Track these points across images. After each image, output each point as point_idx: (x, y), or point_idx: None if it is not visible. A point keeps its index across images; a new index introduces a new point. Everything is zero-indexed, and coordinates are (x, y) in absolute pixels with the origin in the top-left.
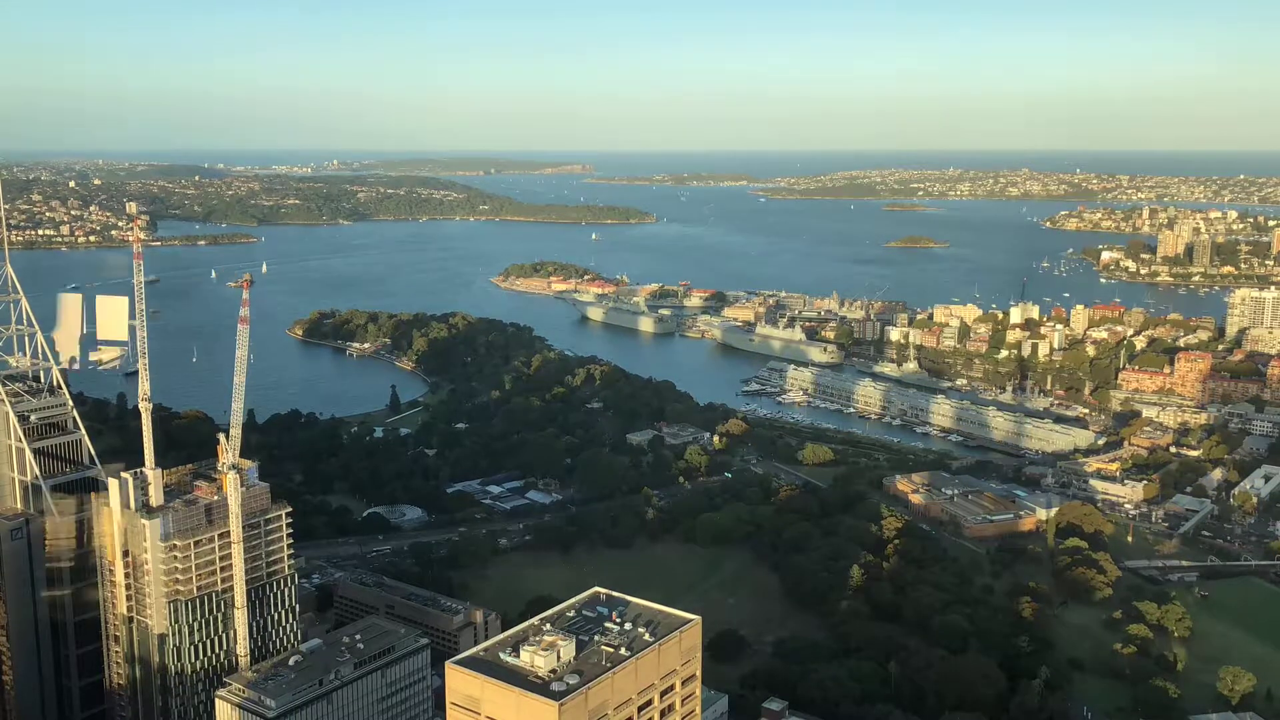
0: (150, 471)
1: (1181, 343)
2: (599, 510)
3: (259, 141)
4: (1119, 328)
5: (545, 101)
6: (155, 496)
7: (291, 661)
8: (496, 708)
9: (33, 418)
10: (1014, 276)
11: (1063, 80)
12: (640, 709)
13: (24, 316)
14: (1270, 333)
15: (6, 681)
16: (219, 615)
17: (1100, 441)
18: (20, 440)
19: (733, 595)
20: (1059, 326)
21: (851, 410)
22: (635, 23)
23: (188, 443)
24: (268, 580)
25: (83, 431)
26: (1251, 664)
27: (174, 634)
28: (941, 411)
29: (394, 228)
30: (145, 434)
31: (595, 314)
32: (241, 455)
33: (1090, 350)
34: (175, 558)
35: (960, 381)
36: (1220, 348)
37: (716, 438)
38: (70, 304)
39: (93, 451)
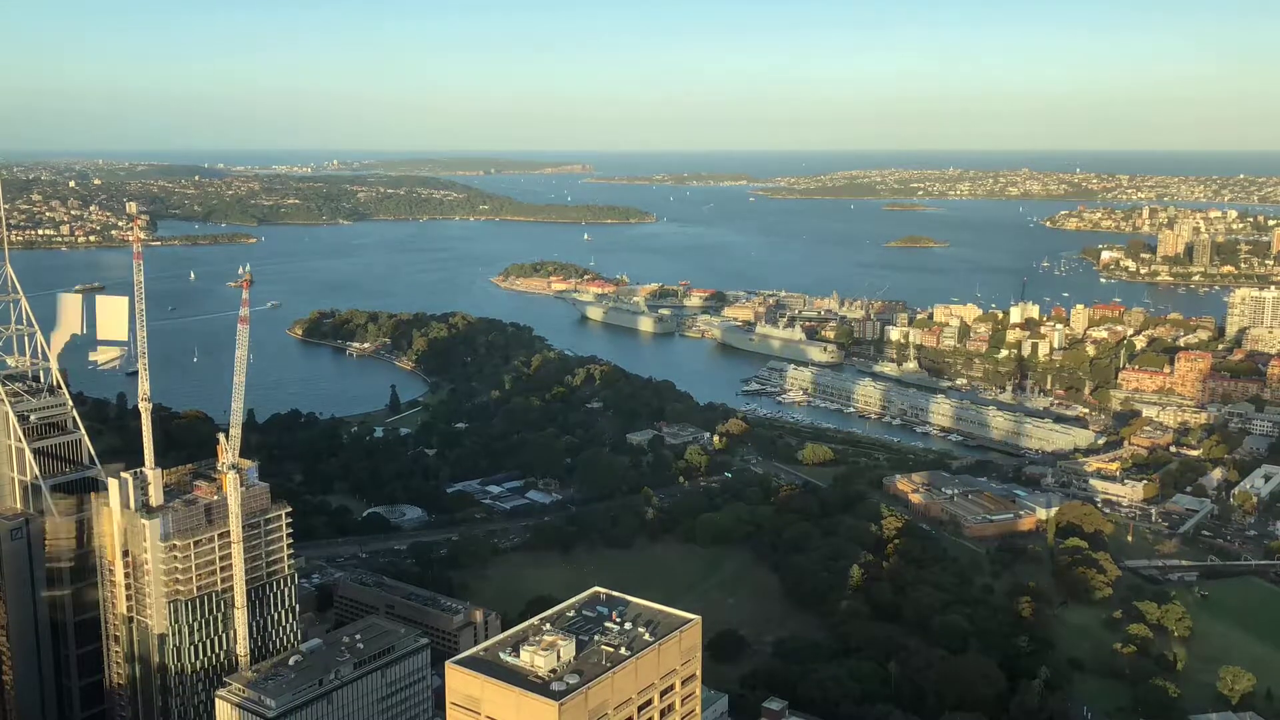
0: (150, 471)
1: (1181, 342)
2: (599, 510)
3: (259, 141)
4: (1119, 327)
5: (545, 101)
6: (155, 496)
7: (291, 661)
8: (496, 708)
9: (33, 418)
10: (1014, 276)
11: (1063, 80)
12: (640, 709)
13: (24, 316)
14: (1270, 332)
15: (6, 681)
16: (219, 615)
17: (1100, 441)
18: (20, 440)
19: (733, 595)
20: (1059, 326)
21: (851, 410)
22: (635, 23)
23: (188, 443)
24: (268, 580)
25: (83, 431)
26: (1251, 664)
27: (174, 634)
28: (941, 411)
29: (394, 228)
30: (145, 434)
31: (595, 314)
32: (241, 455)
33: (1090, 350)
34: (175, 558)
35: (960, 381)
36: (1220, 347)
37: (716, 438)
38: (69, 304)
39: (93, 451)
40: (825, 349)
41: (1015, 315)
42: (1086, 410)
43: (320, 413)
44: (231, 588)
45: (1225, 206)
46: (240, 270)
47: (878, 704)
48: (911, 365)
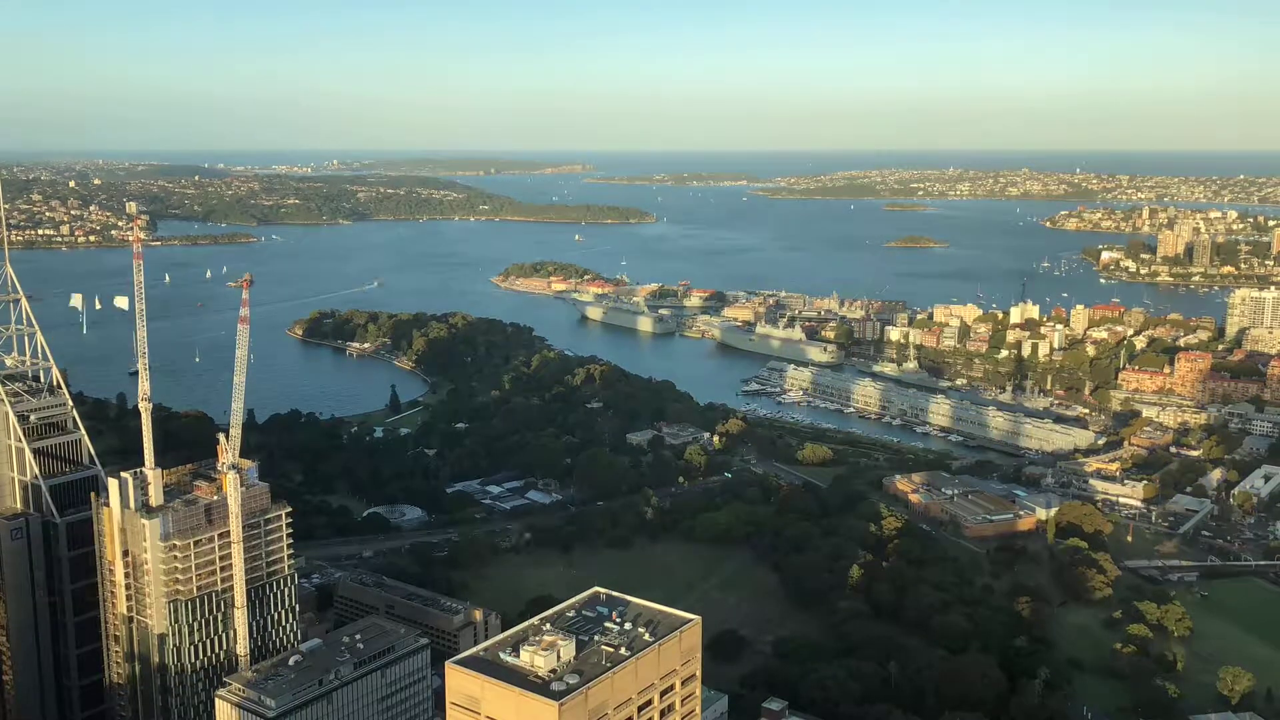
0: (150, 471)
1: (1181, 343)
2: (599, 510)
3: (259, 141)
4: (1119, 328)
5: (545, 101)
6: (155, 496)
7: (291, 661)
8: (496, 708)
9: (33, 418)
10: (1014, 276)
11: (1063, 80)
12: (640, 709)
13: (24, 316)
14: (1270, 333)
15: (6, 681)
16: (219, 615)
17: (1100, 441)
18: (20, 440)
19: (733, 595)
20: (1059, 326)
21: (851, 410)
22: (636, 23)
23: (188, 443)
24: (268, 580)
25: (83, 431)
26: (1251, 664)
27: (174, 634)
28: (941, 411)
29: (394, 228)
30: (145, 434)
31: (595, 314)
32: (241, 455)
33: (1090, 350)
34: (175, 558)
35: (960, 381)
36: (1220, 348)
37: (716, 438)
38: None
39: (93, 451)
40: (825, 349)
41: (1015, 315)
42: (1086, 410)
43: (320, 413)
44: (231, 588)
45: (1225, 207)
46: (222, 270)
47: (878, 704)
48: (912, 365)
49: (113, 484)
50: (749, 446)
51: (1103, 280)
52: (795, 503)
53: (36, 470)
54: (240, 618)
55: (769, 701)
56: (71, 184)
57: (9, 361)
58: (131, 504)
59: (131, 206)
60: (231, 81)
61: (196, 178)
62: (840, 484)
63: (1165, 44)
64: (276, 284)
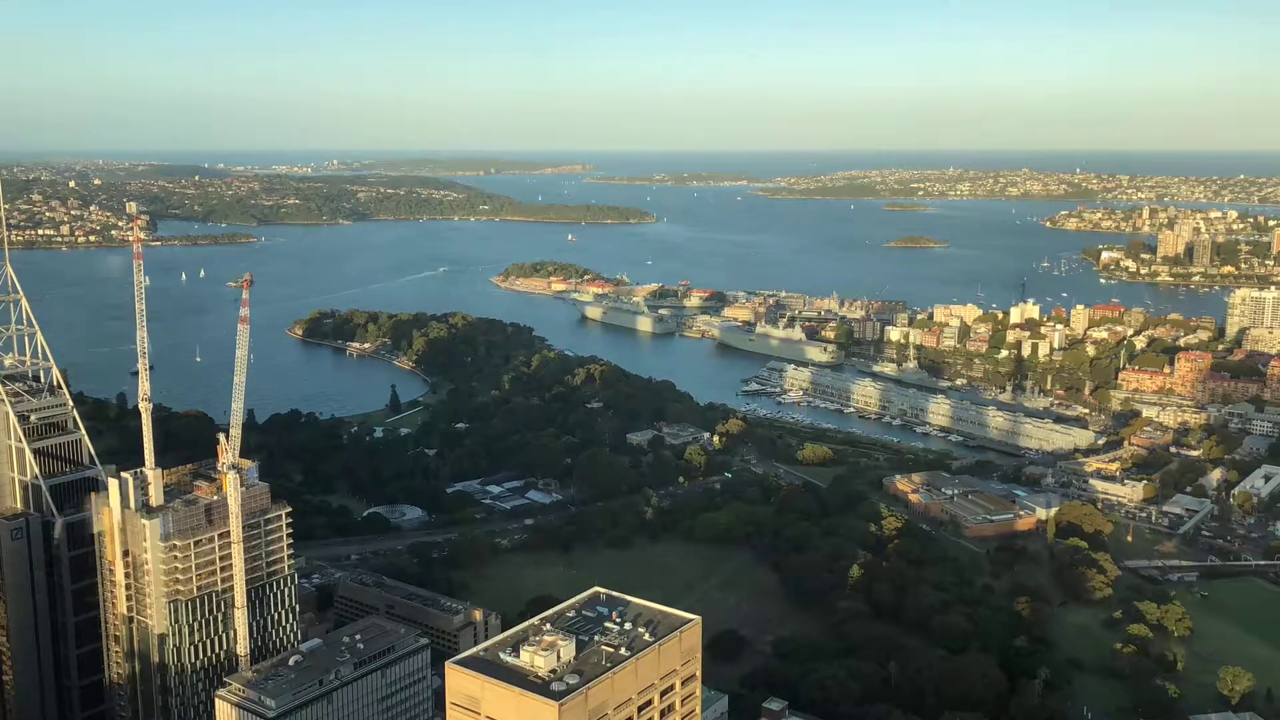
0: (150, 471)
1: (1181, 343)
2: (599, 510)
3: (259, 141)
4: (1119, 328)
5: (545, 101)
6: (155, 496)
7: (291, 661)
8: (496, 708)
9: (33, 418)
10: (1014, 276)
11: (1063, 80)
12: (640, 709)
13: (24, 316)
14: (1270, 333)
15: (6, 681)
16: (219, 615)
17: (1100, 441)
18: (20, 440)
19: (733, 595)
20: (1059, 326)
21: (851, 410)
22: (636, 23)
23: (188, 443)
24: (268, 580)
25: (83, 431)
26: (1251, 664)
27: (174, 634)
28: (941, 411)
29: (394, 228)
30: (145, 434)
31: (594, 313)
32: (241, 455)
33: (1090, 350)
34: (175, 558)
35: (959, 381)
36: (1220, 348)
37: (716, 438)
38: None
39: (93, 451)
40: (825, 349)
41: (1015, 315)
42: (1086, 410)
43: (320, 413)
44: (231, 588)
45: (1225, 207)
46: (200, 274)
47: (878, 704)
48: (912, 365)
49: (113, 484)
50: (749, 446)
51: (1103, 280)
52: (795, 503)
53: (36, 470)
54: (240, 618)
55: (769, 701)
56: (71, 184)
57: (9, 361)
58: (131, 504)
59: (132, 207)
60: (231, 81)
61: (196, 178)
62: (840, 484)
63: (1165, 44)
64: (277, 284)
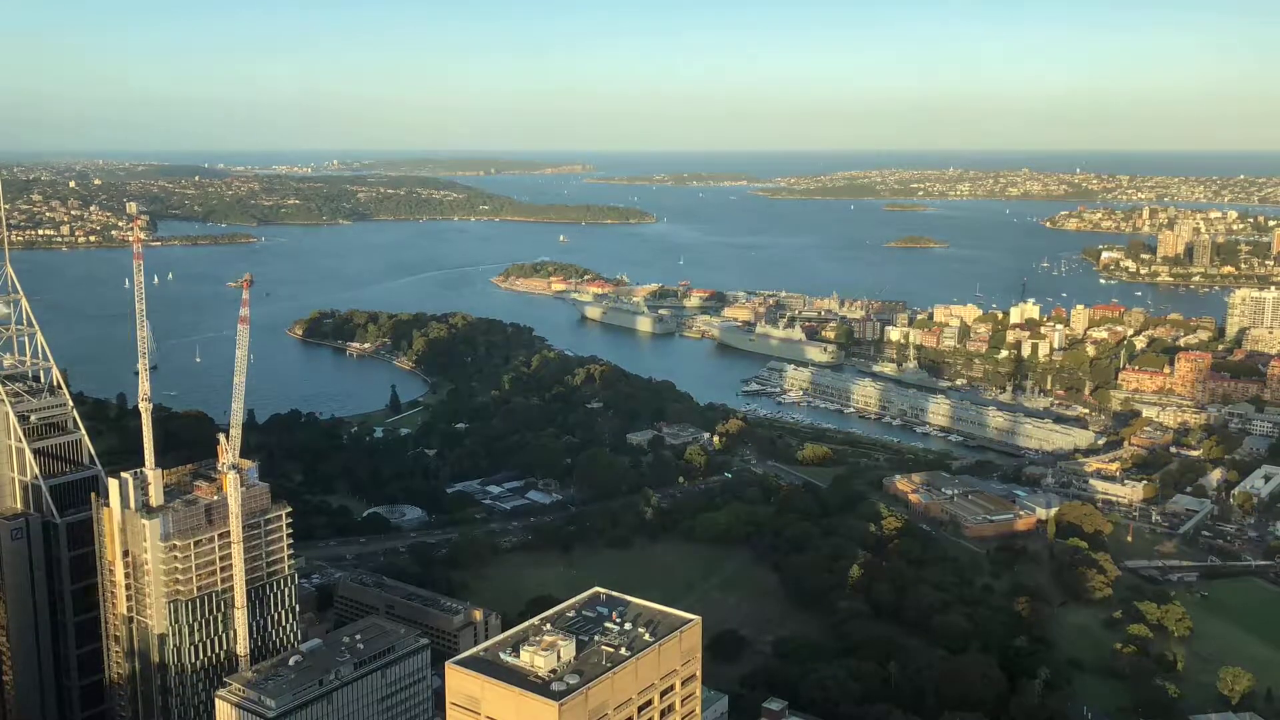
0: (150, 471)
1: (1181, 343)
2: (599, 510)
3: (259, 141)
4: (1119, 328)
5: (545, 101)
6: (155, 496)
7: (291, 661)
8: (496, 708)
9: (33, 418)
10: (1014, 276)
11: (1063, 80)
12: (640, 709)
13: (24, 316)
14: (1270, 333)
15: (6, 681)
16: (219, 615)
17: (1100, 441)
18: (20, 440)
19: (733, 595)
20: (1059, 326)
21: (851, 410)
22: (636, 23)
23: (188, 443)
24: (268, 580)
25: (83, 431)
26: (1251, 664)
27: (174, 634)
28: (941, 411)
29: (394, 228)
30: (145, 434)
31: (594, 313)
32: (241, 455)
33: (1090, 350)
34: (175, 558)
35: (959, 381)
36: (1220, 348)
37: (716, 438)
38: None
39: (93, 451)
40: (825, 349)
41: (1015, 315)
42: (1086, 410)
43: (320, 413)
44: (231, 588)
45: (1225, 207)
46: (169, 277)
47: (878, 704)
48: (912, 365)
49: (113, 484)
50: (749, 446)
51: (1103, 280)
52: (795, 503)
53: (36, 470)
54: (240, 618)
55: (769, 701)
56: (71, 184)
57: (8, 361)
58: (131, 504)
59: (132, 207)
60: (232, 82)
61: (196, 178)
62: (840, 484)
63: (1165, 44)
64: (277, 284)
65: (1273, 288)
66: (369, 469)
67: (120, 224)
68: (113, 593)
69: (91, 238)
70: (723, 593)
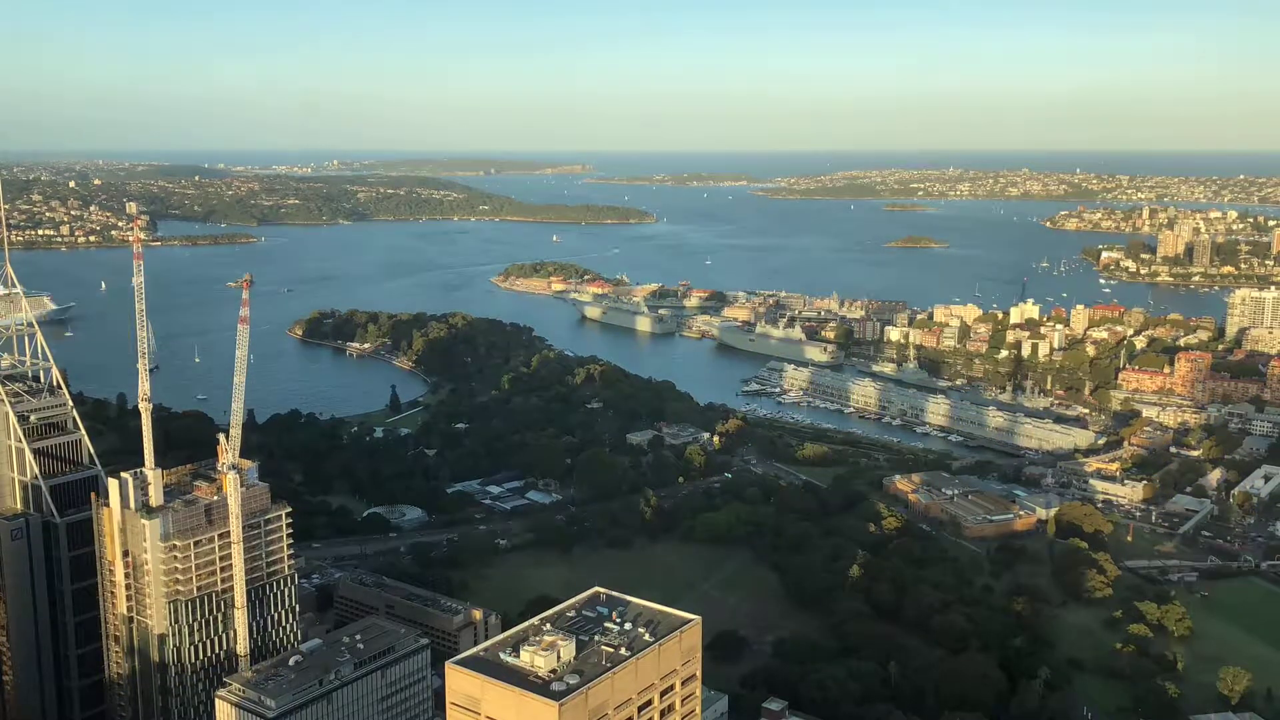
0: (150, 471)
1: (1181, 343)
2: (599, 510)
3: (259, 141)
4: (1119, 328)
5: (545, 101)
6: (155, 496)
7: (291, 661)
8: (496, 708)
9: (33, 418)
10: (1014, 276)
11: (1063, 80)
12: (640, 709)
13: (24, 317)
14: (1270, 333)
15: (6, 681)
16: (219, 615)
17: (1100, 441)
18: (20, 440)
19: (733, 595)
20: (1059, 326)
21: (851, 410)
22: (635, 23)
23: (188, 443)
24: (268, 580)
25: (83, 431)
26: (1251, 664)
27: (174, 634)
28: (941, 411)
29: (394, 228)
30: (145, 434)
31: (593, 313)
32: (241, 455)
33: (1090, 350)
34: (175, 558)
35: (959, 381)
36: (1220, 348)
37: (716, 438)
38: None
39: (93, 451)
40: (824, 349)
41: (1015, 315)
42: (1086, 410)
43: (320, 413)
44: (231, 588)
45: (1225, 207)
46: (101, 287)
47: (878, 704)
48: (912, 365)
49: (113, 484)
50: (749, 446)
51: (1103, 280)
52: (795, 502)
53: (36, 470)
54: (240, 618)
55: (769, 701)
56: (71, 184)
57: (8, 361)
58: (131, 504)
59: (132, 207)
60: (232, 81)
61: (196, 178)
62: (840, 484)
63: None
64: (276, 284)
65: (1273, 288)
66: (369, 469)
67: (120, 224)
68: (113, 593)
69: (91, 238)
70: (723, 593)
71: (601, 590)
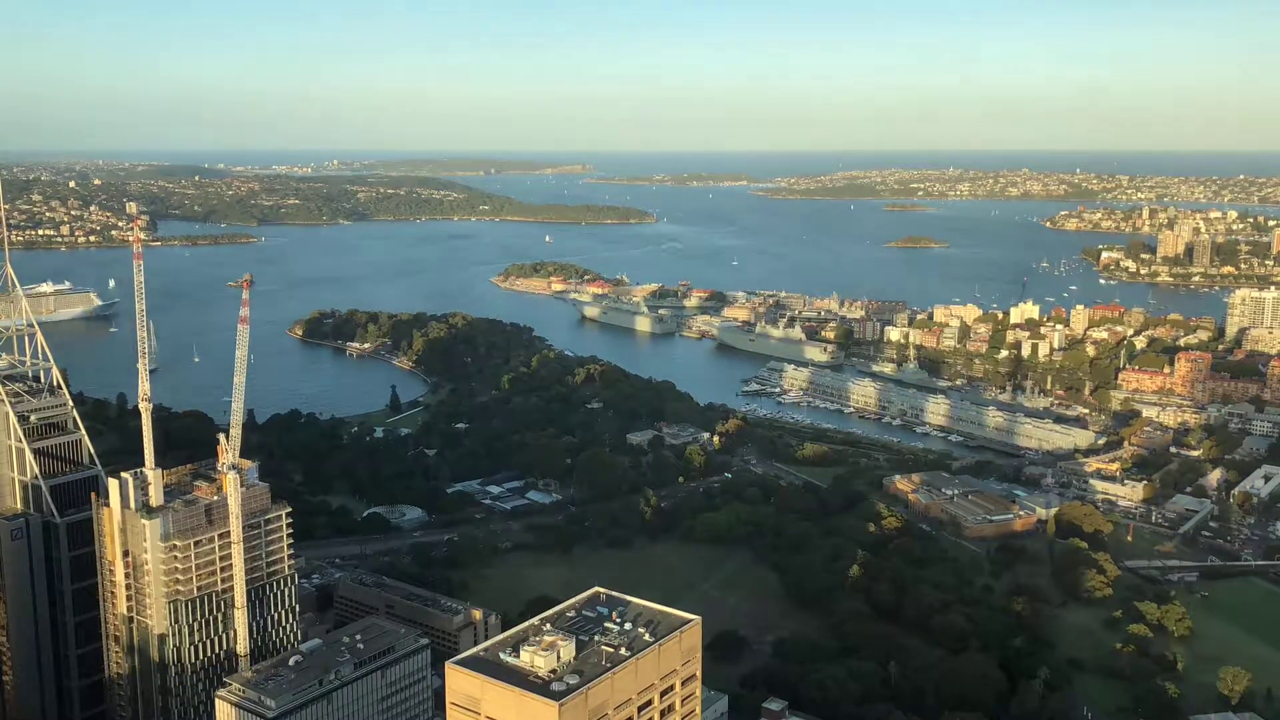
0: (150, 471)
1: (1181, 343)
2: (599, 510)
3: (259, 141)
4: (1119, 328)
5: (545, 101)
6: (155, 496)
7: (291, 661)
8: (496, 708)
9: (33, 418)
10: (1014, 276)
11: (1063, 80)
12: (640, 709)
13: (24, 317)
14: (1270, 333)
15: (6, 681)
16: (219, 615)
17: (1100, 441)
18: (20, 440)
19: (733, 595)
20: (1059, 326)
21: (850, 410)
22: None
23: (188, 443)
24: (268, 580)
25: (83, 431)
26: (1251, 664)
27: (174, 634)
28: (941, 411)
29: (394, 228)
30: (145, 434)
31: (593, 313)
32: (241, 455)
33: (1090, 350)
34: (175, 558)
35: (959, 381)
36: (1220, 348)
37: (716, 438)
38: None
39: (93, 451)
40: (824, 349)
41: (1015, 315)
42: (1086, 410)
43: (320, 413)
44: (231, 588)
45: (1225, 207)
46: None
47: (878, 704)
48: (912, 365)
49: (113, 484)
50: (749, 446)
51: (1103, 280)
52: (795, 502)
53: (36, 470)
54: (240, 618)
55: (769, 701)
56: (71, 184)
57: (8, 361)
58: (131, 504)
59: (132, 207)
60: (232, 82)
61: (197, 178)
62: (840, 484)
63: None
64: (276, 283)
65: (1273, 288)
66: (369, 469)
67: (120, 224)
68: (113, 593)
69: (91, 238)
70: (723, 593)
71: (601, 590)
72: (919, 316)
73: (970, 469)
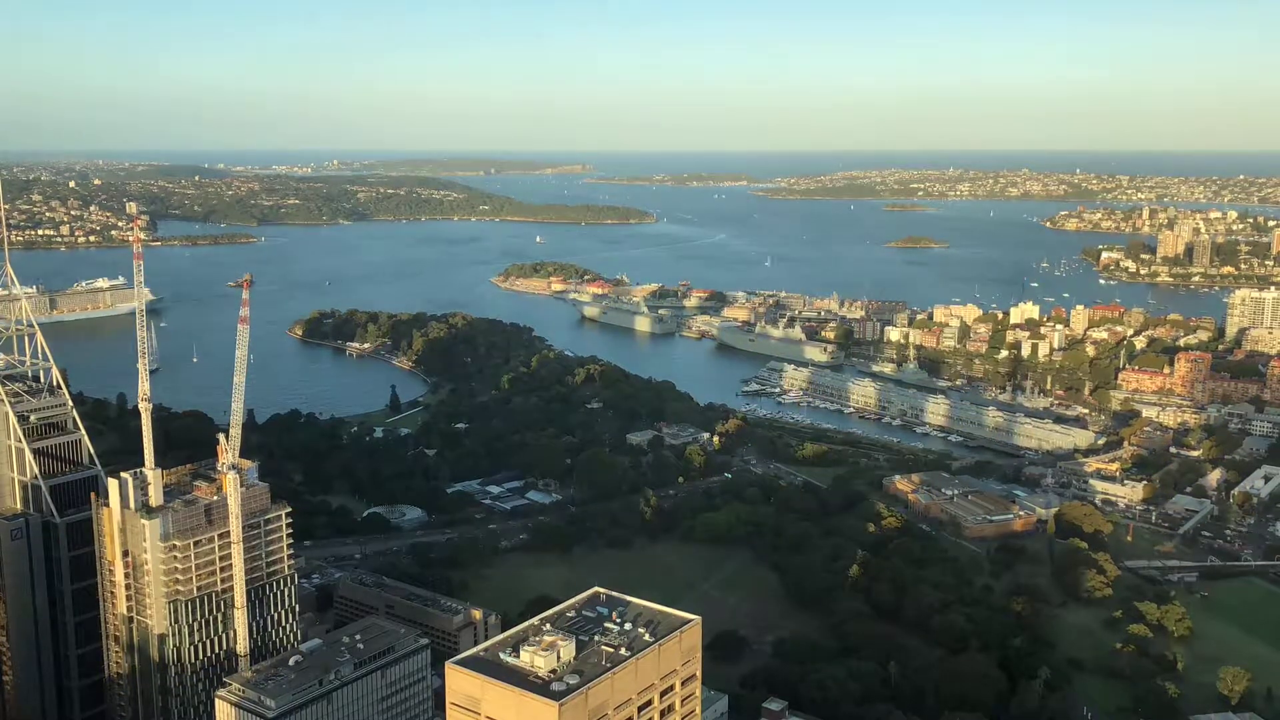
0: (150, 471)
1: (1181, 343)
2: (599, 510)
3: (259, 141)
4: (1119, 328)
5: (545, 101)
6: (155, 496)
7: (291, 661)
8: (496, 708)
9: (33, 418)
10: (1014, 276)
11: (1063, 80)
12: (640, 709)
13: (24, 317)
14: (1270, 333)
15: (6, 681)
16: (219, 615)
17: (1100, 441)
18: (20, 440)
19: (733, 595)
20: (1059, 326)
21: (850, 410)
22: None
23: (188, 443)
24: (268, 580)
25: (83, 431)
26: (1251, 664)
27: (174, 634)
28: (940, 411)
29: (394, 228)
30: (145, 434)
31: (592, 313)
32: (241, 455)
33: (1090, 350)
34: (175, 558)
35: (959, 381)
36: (1220, 348)
37: (716, 438)
38: None
39: (93, 451)
40: (824, 349)
41: (1015, 316)
42: (1086, 411)
43: (320, 413)
44: (231, 588)
45: (1225, 207)
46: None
47: (878, 704)
48: (911, 365)
49: (113, 484)
50: (749, 446)
51: (1103, 280)
52: (795, 502)
53: (36, 470)
54: (240, 618)
55: (769, 701)
56: (71, 184)
57: (8, 361)
58: (131, 504)
59: (132, 207)
60: (232, 81)
61: (197, 178)
62: (840, 484)
63: (1165, 43)
64: (277, 284)
65: (1272, 288)
66: (369, 469)
67: (120, 224)
68: (113, 593)
69: (91, 238)
70: (723, 593)
71: (601, 590)
72: (919, 316)
73: (970, 469)
